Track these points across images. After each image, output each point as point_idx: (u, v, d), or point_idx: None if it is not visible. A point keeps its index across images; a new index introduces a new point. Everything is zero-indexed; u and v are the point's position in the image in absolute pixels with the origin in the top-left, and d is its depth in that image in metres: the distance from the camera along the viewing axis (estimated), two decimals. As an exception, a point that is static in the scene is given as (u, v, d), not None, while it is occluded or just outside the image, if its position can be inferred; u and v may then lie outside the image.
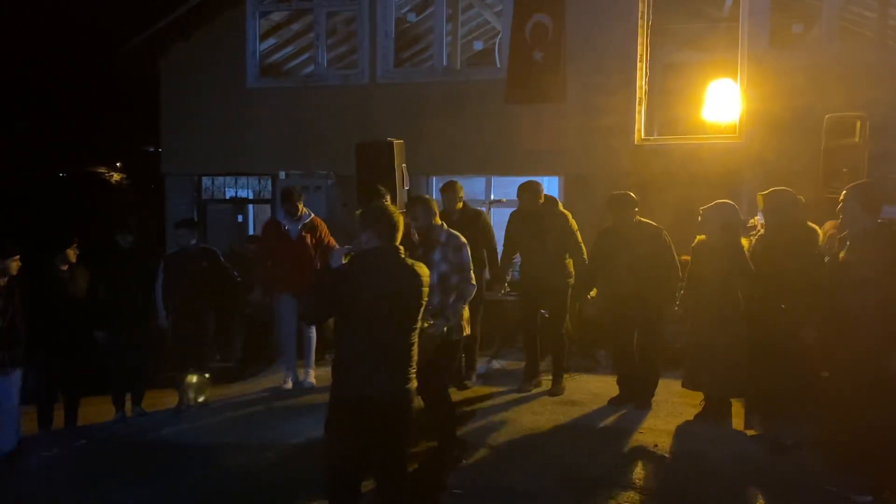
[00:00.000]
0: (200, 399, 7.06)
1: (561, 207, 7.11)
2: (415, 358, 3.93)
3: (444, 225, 5.53)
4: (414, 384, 3.92)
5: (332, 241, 7.54)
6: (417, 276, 3.91)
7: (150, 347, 6.93)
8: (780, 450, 5.51)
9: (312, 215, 7.60)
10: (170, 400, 7.10)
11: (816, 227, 5.66)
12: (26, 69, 19.10)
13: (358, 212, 4.10)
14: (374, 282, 3.78)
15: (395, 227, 3.92)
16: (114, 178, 22.50)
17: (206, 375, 7.14)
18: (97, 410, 6.89)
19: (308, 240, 7.43)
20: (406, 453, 4.03)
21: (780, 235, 5.66)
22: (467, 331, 5.48)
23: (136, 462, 5.82)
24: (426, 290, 3.94)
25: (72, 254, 6.25)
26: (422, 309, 3.95)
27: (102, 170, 22.42)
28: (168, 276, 6.87)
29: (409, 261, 3.95)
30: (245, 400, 7.37)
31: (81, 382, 6.34)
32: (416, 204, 5.52)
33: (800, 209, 5.77)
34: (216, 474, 5.49)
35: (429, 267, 5.31)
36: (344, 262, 3.87)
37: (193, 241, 7.09)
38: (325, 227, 7.63)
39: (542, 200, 6.97)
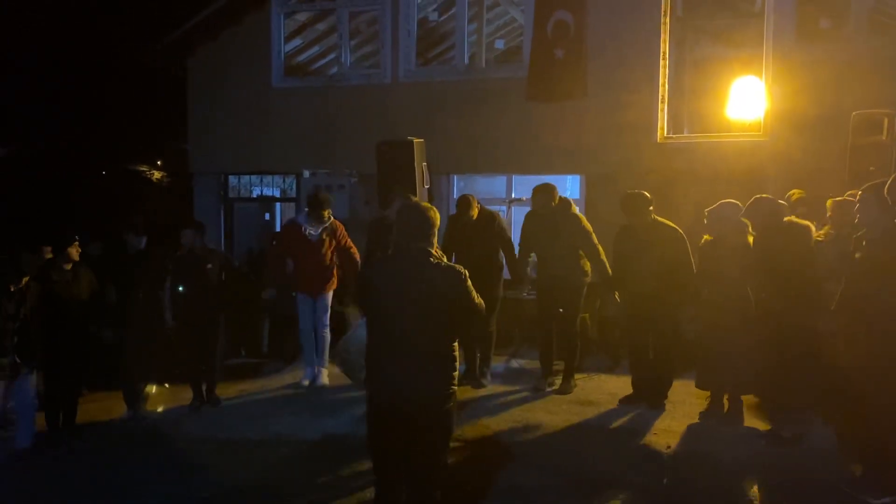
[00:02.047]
0: (159, 409, 6.99)
1: (574, 209, 7.05)
2: (453, 362, 3.73)
3: None
4: (450, 389, 3.71)
5: (350, 244, 7.60)
6: (446, 275, 3.67)
7: (158, 346, 6.97)
8: (779, 443, 5.50)
9: (332, 218, 7.65)
10: (184, 396, 7.18)
11: (807, 223, 5.57)
12: (63, 69, 19.54)
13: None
14: (389, 283, 3.69)
15: (411, 228, 3.72)
16: (155, 177, 22.86)
17: (166, 385, 7.08)
18: (108, 406, 6.98)
19: (328, 243, 7.50)
20: (434, 462, 3.79)
21: (769, 240, 5.57)
22: None
23: (150, 457, 5.90)
24: (462, 291, 3.67)
25: (73, 252, 6.20)
26: (457, 310, 3.71)
27: (144, 167, 22.78)
28: (175, 277, 6.94)
29: (442, 262, 3.73)
30: (264, 396, 7.47)
31: (82, 381, 6.36)
32: (394, 197, 5.54)
33: (782, 214, 5.68)
34: (230, 470, 5.54)
35: None
36: None
37: (199, 244, 7.08)
38: (344, 230, 7.68)
39: (555, 203, 6.92)
